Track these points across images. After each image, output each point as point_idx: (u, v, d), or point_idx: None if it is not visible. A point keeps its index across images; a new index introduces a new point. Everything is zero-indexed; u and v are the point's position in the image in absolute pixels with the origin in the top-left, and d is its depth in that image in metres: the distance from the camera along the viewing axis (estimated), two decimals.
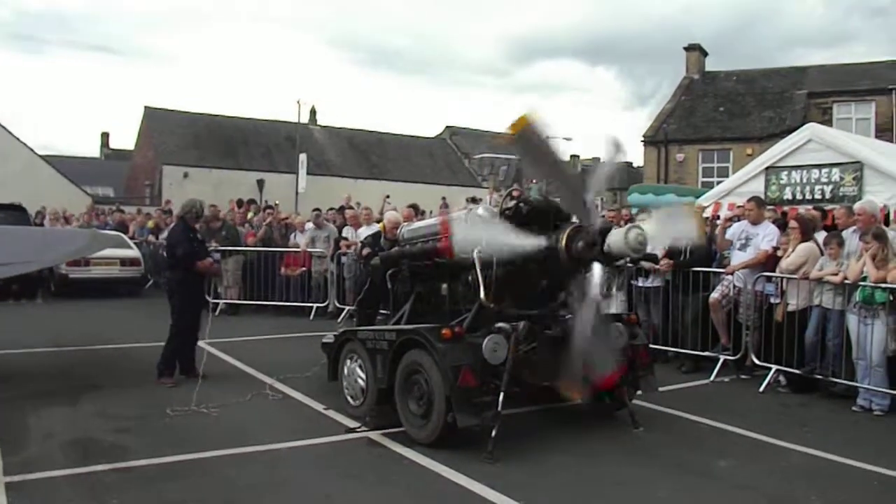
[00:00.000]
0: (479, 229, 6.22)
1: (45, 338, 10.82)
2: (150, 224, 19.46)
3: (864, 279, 7.58)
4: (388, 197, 18.41)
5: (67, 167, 38.64)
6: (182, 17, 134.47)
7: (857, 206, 8.49)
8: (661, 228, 6.51)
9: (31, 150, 36.34)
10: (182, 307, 8.43)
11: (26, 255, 8.52)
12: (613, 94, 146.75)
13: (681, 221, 6.90)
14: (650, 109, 27.57)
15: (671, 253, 9.62)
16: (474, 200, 15.96)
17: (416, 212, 14.18)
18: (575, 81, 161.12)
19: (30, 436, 6.29)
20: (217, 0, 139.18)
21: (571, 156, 61.00)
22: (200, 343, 8.81)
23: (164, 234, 14.50)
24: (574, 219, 6.28)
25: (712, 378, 8.99)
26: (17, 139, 35.58)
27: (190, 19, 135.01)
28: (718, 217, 11.30)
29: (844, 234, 8.36)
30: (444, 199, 19.34)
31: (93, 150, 60.74)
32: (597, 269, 5.95)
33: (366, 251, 9.11)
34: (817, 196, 10.99)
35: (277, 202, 19.86)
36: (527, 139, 5.92)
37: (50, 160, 37.66)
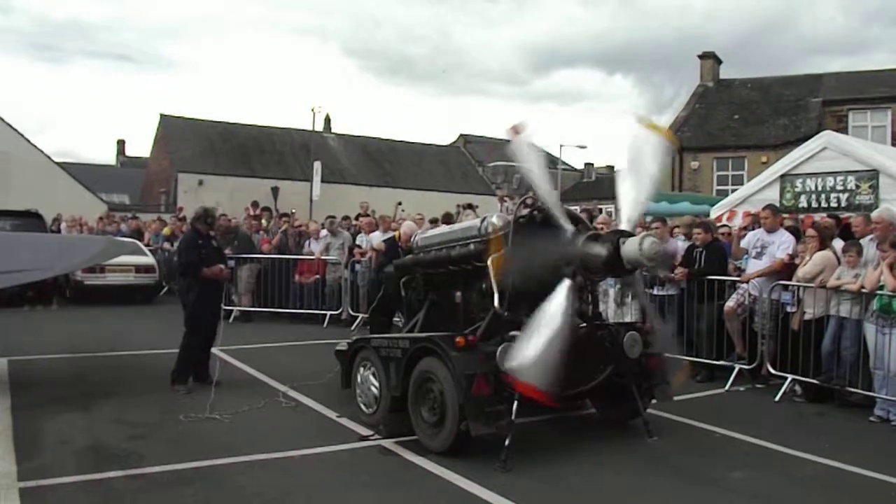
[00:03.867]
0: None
1: (60, 344, 10.88)
2: (166, 231, 19.54)
3: (882, 288, 7.52)
4: (400, 204, 18.38)
5: (84, 174, 38.93)
6: (199, 26, 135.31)
7: (874, 214, 8.43)
8: (635, 177, 6.37)
9: (48, 157, 36.65)
10: (194, 314, 8.46)
11: (42, 262, 8.56)
12: (631, 103, 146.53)
13: (647, 154, 6.37)
14: (667, 118, 27.36)
15: (686, 261, 9.59)
16: (469, 207, 15.96)
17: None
18: (592, 90, 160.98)
19: (44, 442, 6.31)
20: (234, 9, 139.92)
21: (586, 164, 61.02)
22: (214, 350, 8.83)
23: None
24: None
25: (727, 387, 8.93)
26: (35, 146, 35.91)
27: (206, 28, 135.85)
28: (726, 225, 11.25)
29: (862, 242, 8.30)
30: (458, 206, 19.28)
31: (109, 157, 61.28)
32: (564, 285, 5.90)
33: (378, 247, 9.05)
34: (833, 204, 10.92)
35: (293, 210, 19.89)
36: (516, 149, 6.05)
37: (66, 167, 37.96)
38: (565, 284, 5.82)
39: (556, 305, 5.68)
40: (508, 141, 6.21)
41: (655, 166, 6.24)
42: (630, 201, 6.24)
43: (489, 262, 6.21)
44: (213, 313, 8.58)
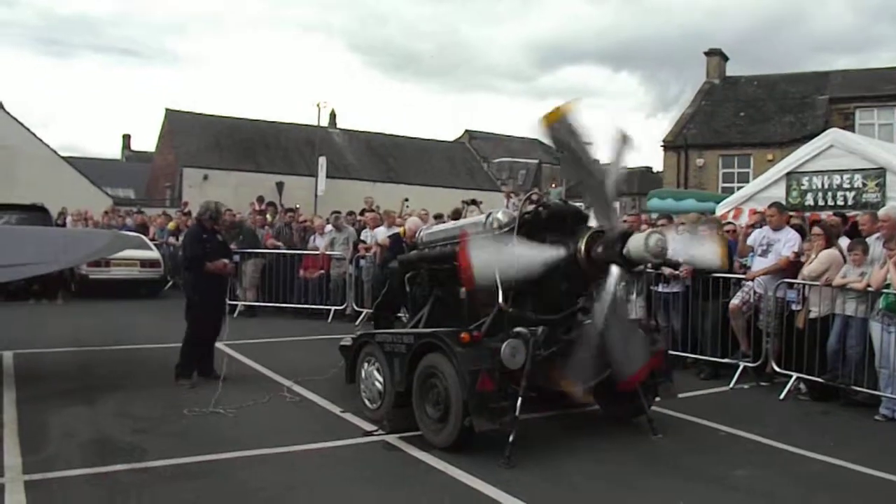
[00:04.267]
0: (497, 252, 6.00)
1: (65, 338, 10.91)
2: (171, 225, 19.57)
3: (888, 286, 7.50)
4: (406, 200, 18.35)
5: (89, 168, 39.00)
6: (204, 21, 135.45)
7: (881, 212, 8.39)
8: (683, 248, 6.47)
9: (54, 151, 36.74)
10: (197, 308, 8.47)
11: (48, 256, 8.57)
12: (637, 100, 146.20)
13: (704, 245, 6.78)
14: (672, 114, 27.40)
15: None
16: (473, 202, 15.90)
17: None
18: (598, 87, 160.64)
19: (49, 435, 6.33)
20: (240, 4, 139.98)
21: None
22: (218, 345, 8.84)
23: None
24: (591, 222, 6.27)
25: (732, 385, 8.92)
26: (41, 140, 35.98)
27: (212, 23, 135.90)
28: (731, 223, 11.23)
29: (868, 240, 8.27)
30: (462, 202, 19.22)
31: (114, 151, 61.35)
32: (614, 271, 5.92)
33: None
34: (839, 202, 10.90)
35: (298, 206, 19.90)
36: (559, 132, 5.85)
37: (72, 161, 38.03)
38: (614, 271, 5.93)
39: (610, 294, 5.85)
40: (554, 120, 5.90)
41: (586, 149, 6.00)
42: (594, 196, 6.25)
43: None
44: (217, 308, 8.57)
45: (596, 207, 6.27)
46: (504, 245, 6.08)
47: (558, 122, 5.76)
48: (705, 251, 6.75)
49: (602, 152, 6.06)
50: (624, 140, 6.20)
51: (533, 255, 5.91)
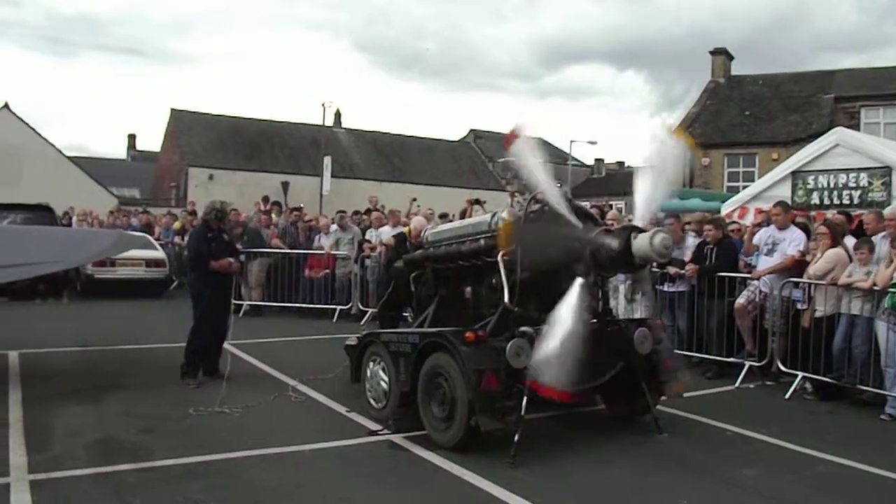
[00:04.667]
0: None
1: (70, 337, 10.92)
2: (176, 225, 19.60)
3: (894, 285, 7.48)
4: (415, 199, 18.32)
5: (94, 168, 39.14)
6: (209, 21, 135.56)
7: (887, 211, 8.39)
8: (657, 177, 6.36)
9: (59, 151, 36.89)
10: (202, 307, 8.48)
11: (53, 255, 8.60)
12: (642, 99, 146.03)
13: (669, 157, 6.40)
14: (678, 114, 27.30)
15: (697, 258, 9.57)
16: (477, 202, 15.90)
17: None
18: (603, 86, 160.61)
19: (55, 434, 6.34)
20: (246, 3, 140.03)
21: (596, 159, 60.90)
22: (224, 344, 8.84)
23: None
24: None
25: (737, 384, 8.90)
26: (46, 140, 36.13)
27: (217, 22, 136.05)
28: (735, 222, 11.21)
29: (874, 239, 8.25)
30: (467, 201, 19.20)
31: (119, 151, 61.45)
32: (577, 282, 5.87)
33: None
34: (845, 201, 10.88)
35: (303, 205, 19.91)
36: (517, 154, 6.08)
37: (77, 161, 38.15)
38: (577, 283, 5.80)
39: (569, 305, 5.66)
40: (511, 139, 6.21)
41: (675, 170, 6.25)
42: (645, 199, 6.22)
43: (499, 258, 6.19)
44: (222, 307, 8.58)
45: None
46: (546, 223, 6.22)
47: (514, 147, 5.97)
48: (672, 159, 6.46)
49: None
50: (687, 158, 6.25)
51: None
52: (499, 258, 6.13)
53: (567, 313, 5.58)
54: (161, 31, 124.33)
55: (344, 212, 15.56)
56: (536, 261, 6.03)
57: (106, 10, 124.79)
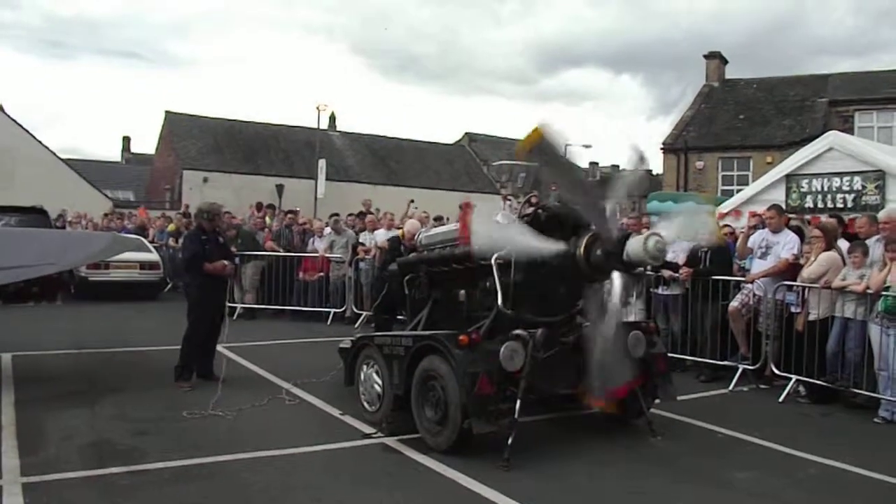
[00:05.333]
0: (500, 227, 6.15)
1: (64, 340, 10.91)
2: (170, 227, 19.57)
3: (888, 289, 7.49)
4: (412, 201, 18.30)
5: (89, 171, 39.10)
6: (206, 24, 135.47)
7: (882, 214, 8.40)
8: (679, 230, 6.47)
9: (54, 153, 36.79)
10: (196, 310, 8.48)
11: (47, 258, 8.56)
12: (638, 103, 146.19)
13: (698, 222, 6.83)
14: (672, 118, 27.42)
15: (691, 261, 9.58)
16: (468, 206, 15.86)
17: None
18: (599, 89, 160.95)
19: (48, 437, 6.33)
20: (243, 6, 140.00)
21: (591, 163, 60.95)
22: (218, 347, 8.83)
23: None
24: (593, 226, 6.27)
25: (731, 388, 8.91)
26: (40, 143, 36.06)
27: (214, 25, 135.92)
28: (727, 225, 11.23)
29: (868, 242, 8.27)
30: (459, 206, 19.22)
31: (114, 154, 61.36)
32: (616, 277, 5.93)
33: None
34: (839, 204, 10.89)
35: (298, 209, 19.88)
36: (542, 151, 5.95)
37: (72, 164, 38.08)
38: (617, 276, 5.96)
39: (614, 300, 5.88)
40: (517, 142, 6.18)
41: (567, 164, 6.29)
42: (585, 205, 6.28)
43: (493, 261, 6.19)
44: (216, 310, 8.56)
45: (589, 215, 6.26)
46: (509, 222, 6.20)
47: (537, 146, 5.86)
48: (700, 228, 6.85)
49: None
50: (641, 158, 6.28)
51: (533, 241, 5.94)
52: (493, 261, 6.13)
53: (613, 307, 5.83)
54: (157, 33, 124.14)
55: (338, 215, 15.55)
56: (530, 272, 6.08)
57: (104, 12, 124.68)
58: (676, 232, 6.44)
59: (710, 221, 7.04)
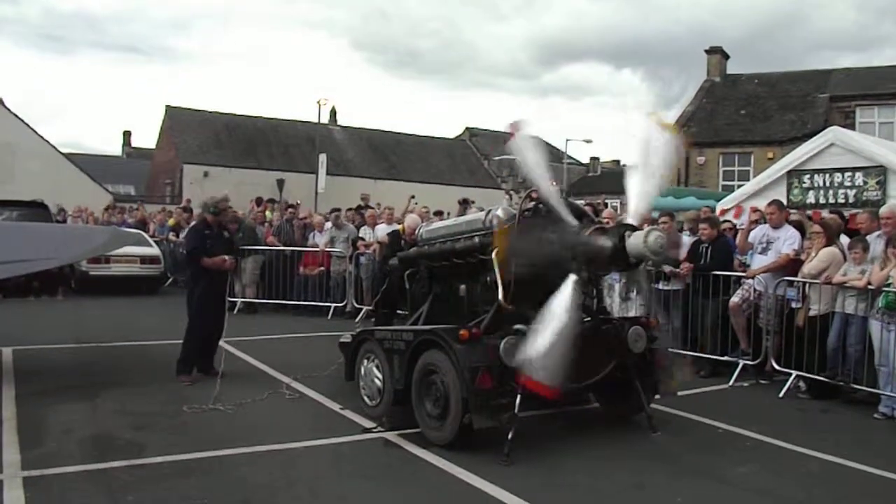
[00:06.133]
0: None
1: (65, 334, 10.90)
2: (171, 222, 19.56)
3: (889, 285, 7.49)
4: (413, 197, 18.30)
5: (89, 165, 39.06)
6: (207, 18, 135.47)
7: (884, 210, 8.37)
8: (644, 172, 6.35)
9: (54, 147, 36.75)
10: (196, 303, 8.49)
11: (48, 252, 8.57)
12: (639, 98, 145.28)
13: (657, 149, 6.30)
14: (673, 113, 27.41)
15: (691, 257, 9.57)
16: (465, 202, 15.97)
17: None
18: (600, 84, 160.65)
19: (48, 431, 6.33)
20: (244, 1, 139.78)
21: (592, 158, 60.93)
22: (220, 342, 8.82)
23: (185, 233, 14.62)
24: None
25: (731, 383, 8.92)
26: (41, 137, 36.00)
27: (215, 20, 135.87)
28: (728, 220, 11.21)
29: (868, 238, 8.27)
30: (463, 198, 19.21)
31: (115, 148, 61.30)
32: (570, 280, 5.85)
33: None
34: (840, 200, 10.88)
35: (299, 202, 19.87)
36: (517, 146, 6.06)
37: (72, 158, 38.05)
38: (571, 280, 5.79)
39: (562, 301, 5.65)
40: (510, 135, 6.19)
41: (665, 162, 6.19)
42: (637, 195, 6.20)
43: (493, 256, 6.19)
44: (217, 304, 8.54)
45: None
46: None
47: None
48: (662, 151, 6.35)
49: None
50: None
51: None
52: (493, 256, 6.12)
53: (559, 309, 5.57)
54: (158, 28, 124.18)
55: (338, 209, 15.54)
56: (529, 264, 6.03)
57: (105, 7, 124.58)
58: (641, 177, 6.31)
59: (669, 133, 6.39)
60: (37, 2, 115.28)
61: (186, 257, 8.84)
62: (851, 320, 7.93)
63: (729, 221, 11.06)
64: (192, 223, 12.34)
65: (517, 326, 6.08)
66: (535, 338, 5.50)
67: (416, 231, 8.19)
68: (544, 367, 5.42)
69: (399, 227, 11.04)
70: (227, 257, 8.57)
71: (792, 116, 27.61)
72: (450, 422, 5.97)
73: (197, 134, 40.23)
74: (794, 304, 8.69)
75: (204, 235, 8.57)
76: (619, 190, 6.70)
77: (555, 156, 44.52)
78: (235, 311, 13.30)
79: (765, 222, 9.57)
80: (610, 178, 48.94)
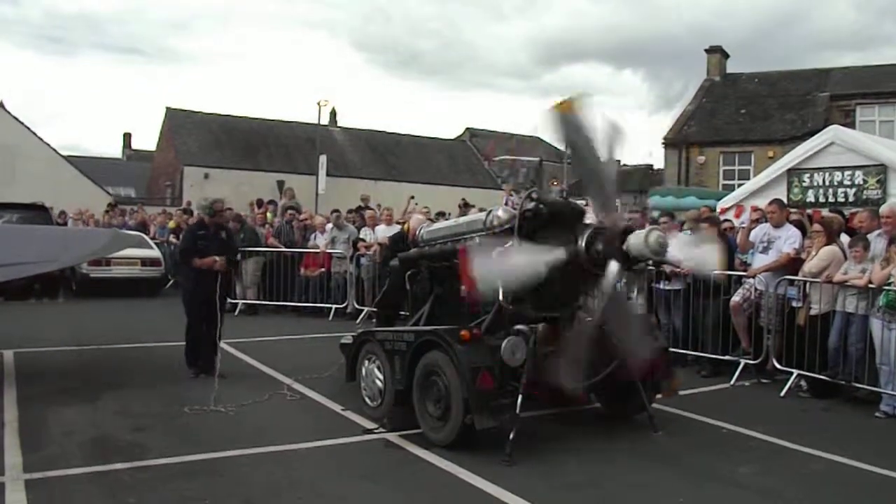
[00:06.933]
0: (500, 262, 5.89)
1: (66, 336, 10.91)
2: (171, 224, 19.56)
3: (889, 283, 7.49)
4: (413, 198, 18.27)
5: (90, 167, 39.01)
6: (207, 19, 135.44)
7: (885, 208, 8.38)
8: (682, 250, 6.45)
9: (54, 150, 36.72)
10: (184, 302, 8.73)
11: (48, 255, 8.58)
12: (640, 98, 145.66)
13: (703, 249, 6.77)
14: (674, 112, 27.49)
15: None
16: (466, 205, 16.00)
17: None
18: (601, 84, 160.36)
19: (50, 433, 6.33)
20: (245, 2, 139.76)
21: None
22: (220, 343, 8.82)
23: None
24: (588, 219, 6.26)
25: (732, 382, 8.92)
26: (41, 139, 35.98)
27: (215, 21, 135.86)
28: (728, 220, 11.21)
29: (869, 237, 8.26)
30: (463, 199, 19.25)
31: (115, 150, 61.25)
32: (613, 266, 5.86)
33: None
34: (840, 199, 10.90)
35: (303, 208, 19.87)
36: (567, 126, 5.86)
37: (72, 160, 38.02)
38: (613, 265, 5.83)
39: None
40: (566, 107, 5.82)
41: (596, 143, 5.94)
42: (593, 194, 6.21)
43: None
44: (207, 304, 8.46)
45: (597, 203, 6.23)
46: (505, 252, 5.97)
47: (566, 116, 5.76)
48: (705, 255, 6.76)
49: (602, 147, 5.99)
50: (616, 132, 6.06)
51: (535, 260, 5.82)
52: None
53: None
54: (158, 29, 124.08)
55: (339, 211, 15.55)
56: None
57: (106, 8, 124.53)
58: (684, 255, 6.42)
59: (716, 250, 6.92)
60: (37, 3, 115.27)
61: (179, 257, 8.95)
62: (852, 319, 7.93)
63: (729, 221, 11.05)
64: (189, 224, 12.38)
65: (518, 327, 6.09)
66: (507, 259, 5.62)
67: (417, 231, 8.18)
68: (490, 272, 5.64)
69: (400, 227, 11.04)
70: (217, 258, 8.52)
71: (792, 115, 27.60)
72: (451, 422, 5.97)
73: (197, 136, 40.18)
74: (794, 304, 8.68)
75: (196, 236, 8.63)
76: (619, 189, 6.68)
77: (556, 156, 44.55)
78: (236, 313, 13.33)
79: (765, 221, 9.57)
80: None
